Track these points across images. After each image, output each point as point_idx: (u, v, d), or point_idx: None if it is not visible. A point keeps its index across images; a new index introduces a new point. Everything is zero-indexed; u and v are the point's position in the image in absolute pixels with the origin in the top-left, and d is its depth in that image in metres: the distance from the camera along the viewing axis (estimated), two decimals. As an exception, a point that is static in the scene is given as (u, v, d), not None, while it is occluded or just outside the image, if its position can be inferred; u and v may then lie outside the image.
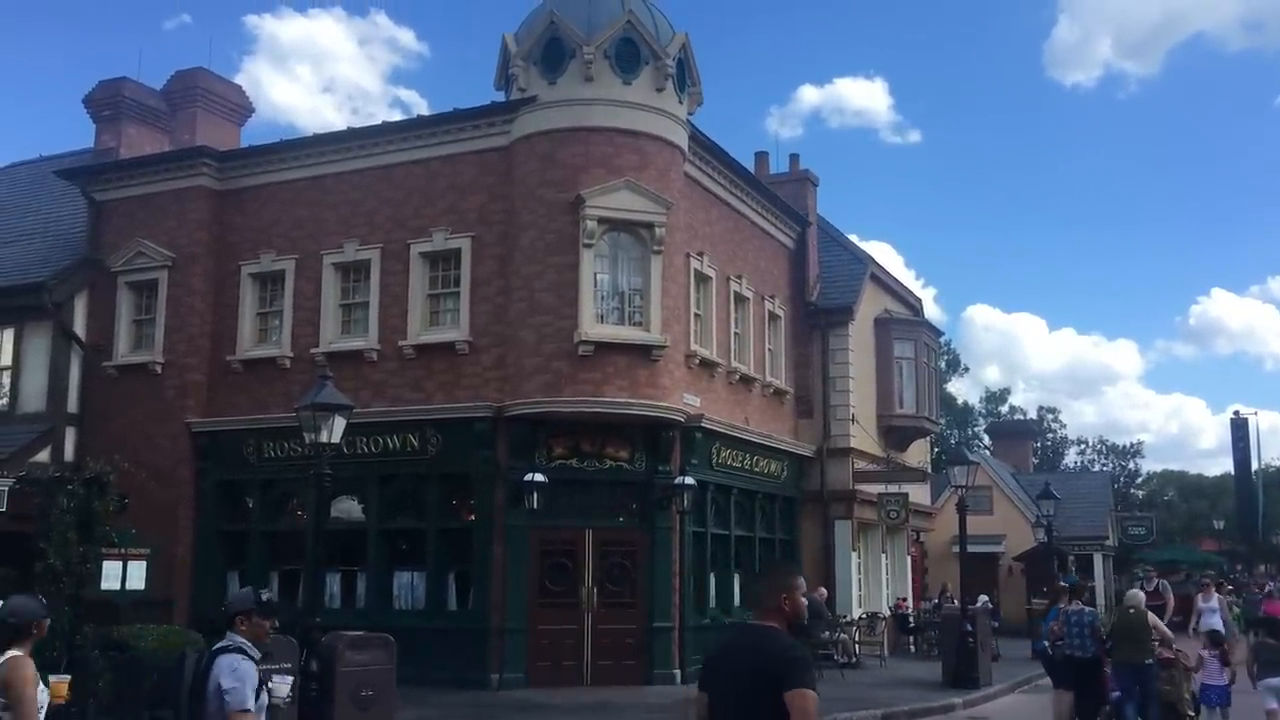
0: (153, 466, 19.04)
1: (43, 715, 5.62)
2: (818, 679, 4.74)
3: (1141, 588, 17.49)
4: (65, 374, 20.57)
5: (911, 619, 26.39)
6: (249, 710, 5.38)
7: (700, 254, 20.19)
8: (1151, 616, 13.46)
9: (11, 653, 5.43)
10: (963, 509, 20.26)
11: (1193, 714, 13.43)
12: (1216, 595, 17.28)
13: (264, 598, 5.90)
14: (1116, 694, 13.00)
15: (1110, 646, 13.11)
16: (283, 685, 6.04)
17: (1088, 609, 13.79)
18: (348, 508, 19.08)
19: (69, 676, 8.54)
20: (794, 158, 26.50)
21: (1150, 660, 12.73)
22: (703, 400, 19.65)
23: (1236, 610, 23.87)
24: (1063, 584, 16.59)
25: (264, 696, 5.65)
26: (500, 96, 19.06)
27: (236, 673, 5.41)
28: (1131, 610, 13.13)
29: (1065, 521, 35.00)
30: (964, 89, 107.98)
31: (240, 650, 5.54)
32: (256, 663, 5.61)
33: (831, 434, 24.24)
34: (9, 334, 21.01)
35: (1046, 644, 14.61)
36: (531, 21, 18.60)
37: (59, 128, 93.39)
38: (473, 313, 18.54)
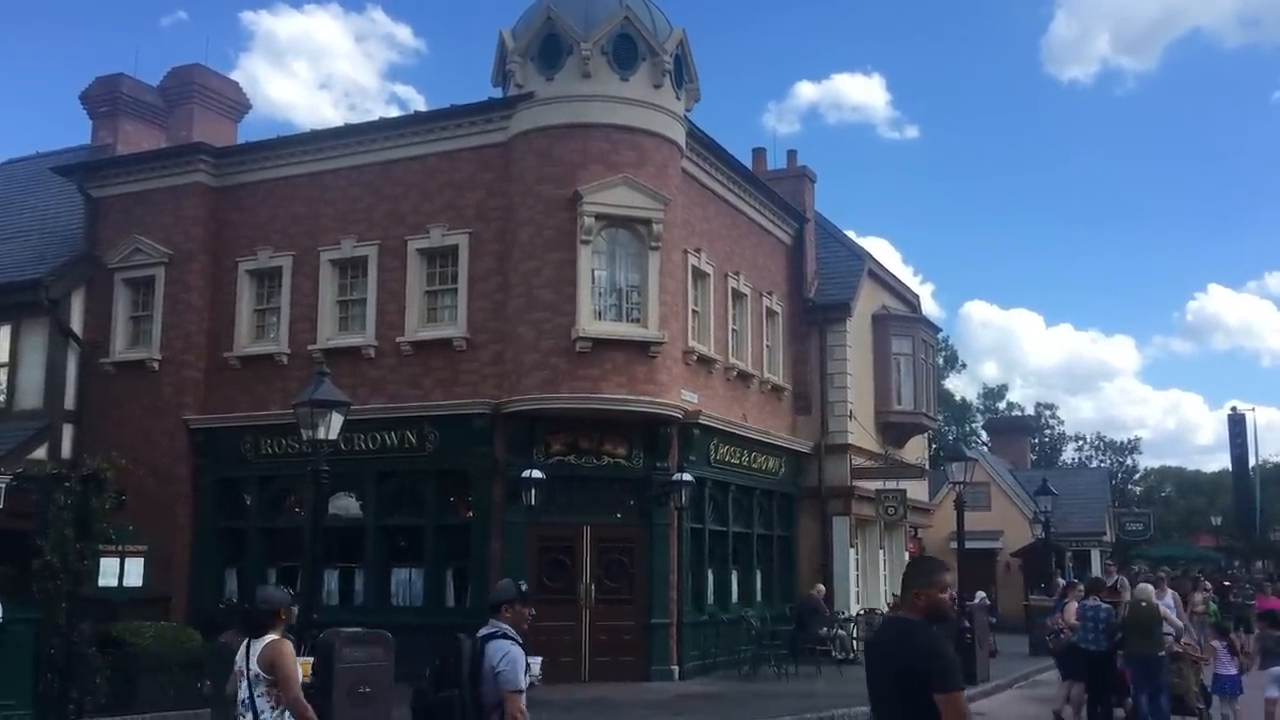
0: (150, 464, 19.02)
1: None
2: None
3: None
4: (62, 371, 20.54)
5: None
6: (521, 690, 5.85)
7: (698, 250, 20.18)
8: (1162, 609, 13.56)
9: (270, 636, 6.42)
10: (960, 505, 20.28)
11: (1202, 706, 13.54)
12: (1171, 592, 16.95)
13: (524, 589, 6.42)
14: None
15: (1120, 639, 13.20)
16: (535, 664, 6.59)
17: (1104, 605, 13.86)
18: (346, 504, 19.06)
19: (313, 658, 9.06)
20: (792, 154, 26.53)
21: (1162, 653, 12.87)
22: (700, 397, 19.65)
23: (1214, 606, 23.74)
24: (1062, 581, 16.65)
25: (529, 677, 6.14)
26: (498, 93, 19.04)
27: (508, 656, 5.87)
28: (1143, 604, 13.24)
29: (1063, 518, 35.05)
30: (962, 85, 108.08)
31: (507, 636, 5.99)
32: (523, 648, 6.09)
33: (829, 430, 24.23)
34: (5, 331, 20.96)
35: (1047, 639, 14.75)
36: (529, 18, 18.57)
37: (55, 124, 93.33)
38: (470, 309, 18.52)
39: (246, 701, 6.36)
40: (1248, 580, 40.88)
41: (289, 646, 6.47)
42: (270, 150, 20.67)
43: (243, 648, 6.49)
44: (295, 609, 6.68)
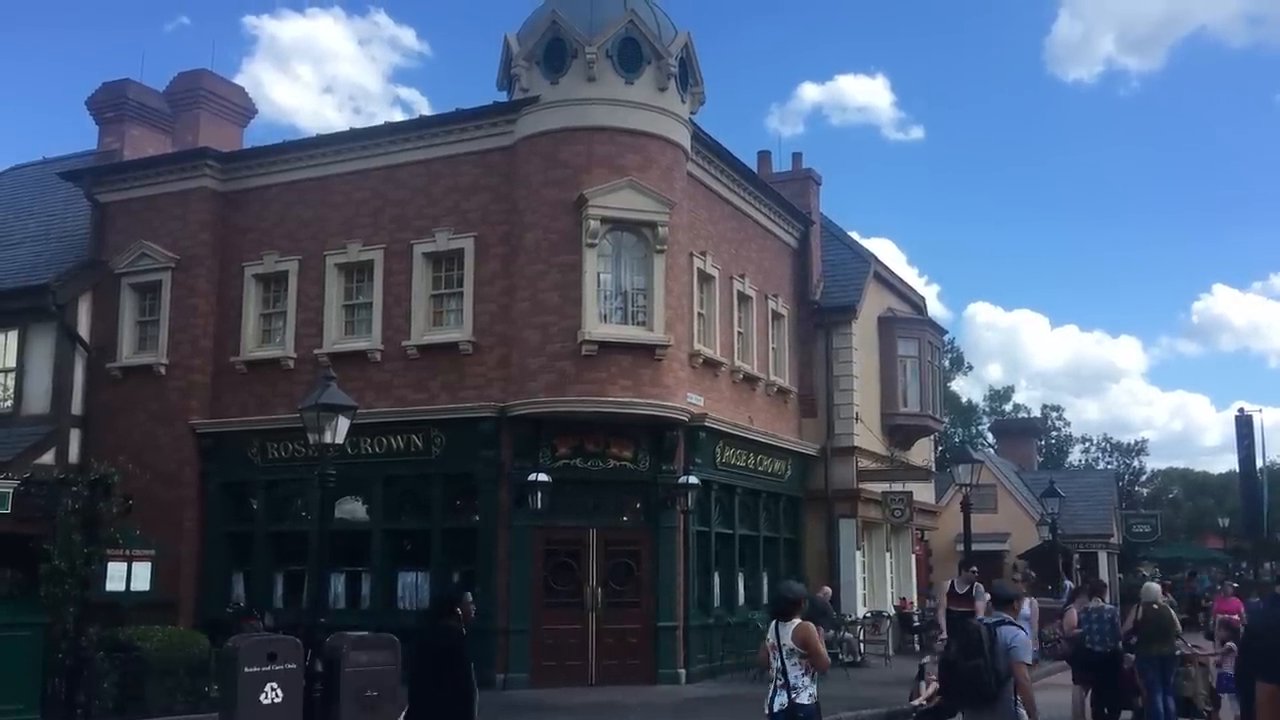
0: (157, 468, 19.06)
1: None
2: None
3: (953, 588, 17.36)
4: (69, 376, 20.59)
5: (916, 618, 26.37)
6: (1030, 663, 7.77)
7: (703, 253, 20.18)
8: (1170, 613, 13.80)
9: (796, 620, 8.07)
10: (967, 507, 20.26)
11: (1210, 709, 13.63)
12: (1030, 601, 16.02)
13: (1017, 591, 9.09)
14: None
15: (1135, 642, 13.38)
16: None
17: (1107, 606, 14.02)
18: (352, 508, 19.09)
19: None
20: (796, 156, 26.46)
21: (1176, 653, 13.09)
22: (706, 399, 19.64)
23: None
24: (1069, 584, 16.62)
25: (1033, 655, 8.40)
26: (502, 96, 19.06)
27: (1020, 638, 7.82)
28: (1156, 606, 13.48)
29: (1069, 519, 34.96)
30: (966, 85, 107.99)
31: (1012, 623, 7.95)
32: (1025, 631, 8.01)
33: (835, 433, 24.21)
34: (13, 336, 21.03)
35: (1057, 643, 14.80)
36: (533, 21, 18.59)
37: (62, 130, 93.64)
38: (476, 313, 18.53)
39: (780, 671, 8.02)
40: (1219, 581, 40.64)
41: (814, 628, 8.17)
42: (276, 155, 20.71)
43: (771, 628, 8.20)
44: (807, 601, 8.44)
